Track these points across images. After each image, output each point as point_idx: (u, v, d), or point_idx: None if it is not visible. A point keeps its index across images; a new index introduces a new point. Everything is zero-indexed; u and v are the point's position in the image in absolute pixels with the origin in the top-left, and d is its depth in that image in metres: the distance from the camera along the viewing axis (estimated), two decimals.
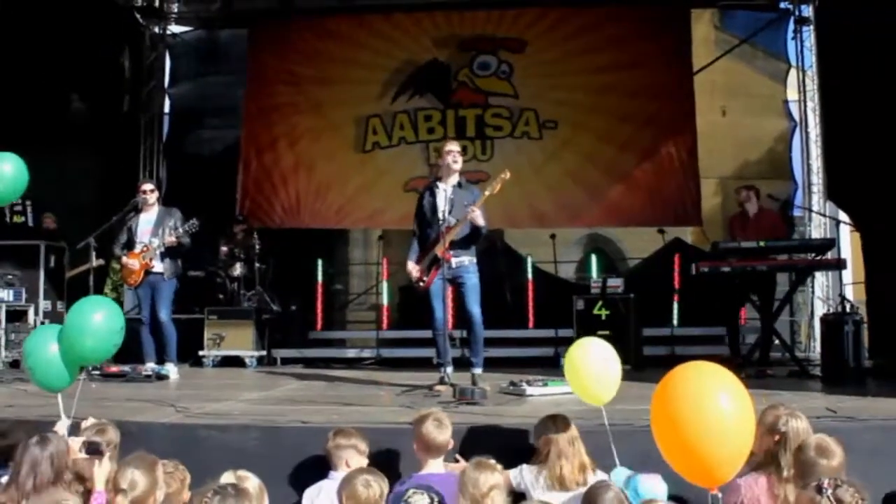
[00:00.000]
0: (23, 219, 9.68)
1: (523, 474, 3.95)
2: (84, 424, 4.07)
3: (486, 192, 6.42)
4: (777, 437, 3.47)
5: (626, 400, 5.95)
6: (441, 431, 3.92)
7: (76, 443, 3.71)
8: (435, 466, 3.90)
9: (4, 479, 3.41)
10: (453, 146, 6.74)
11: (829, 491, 2.67)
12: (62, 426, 4.15)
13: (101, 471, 3.53)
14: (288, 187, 11.92)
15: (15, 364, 8.63)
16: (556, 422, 3.95)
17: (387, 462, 3.99)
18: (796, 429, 3.47)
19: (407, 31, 12.00)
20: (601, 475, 3.84)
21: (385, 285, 11.39)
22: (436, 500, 3.21)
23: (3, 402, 5.76)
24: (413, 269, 6.63)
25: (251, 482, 3.38)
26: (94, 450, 3.62)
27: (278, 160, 12.00)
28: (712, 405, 2.66)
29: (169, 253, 7.85)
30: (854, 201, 9.35)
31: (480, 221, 6.42)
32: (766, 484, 3.41)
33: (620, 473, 3.77)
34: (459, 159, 6.64)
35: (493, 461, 3.47)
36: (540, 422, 4.02)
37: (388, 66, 11.94)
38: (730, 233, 8.48)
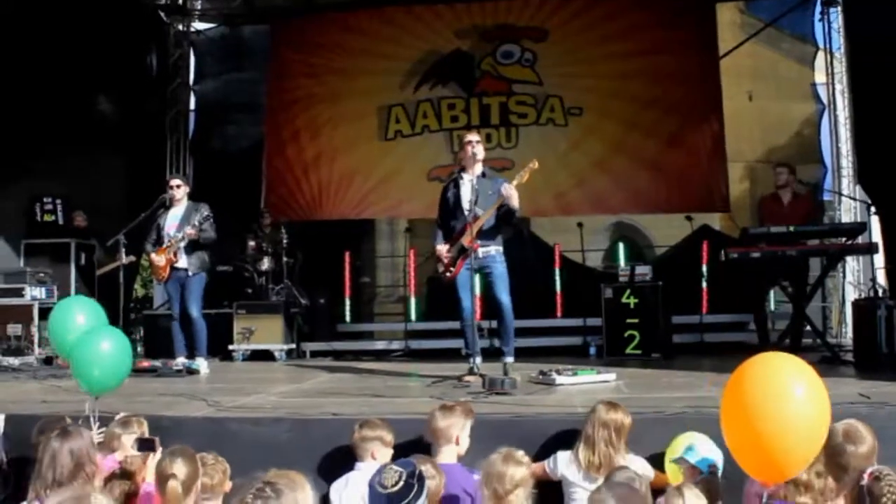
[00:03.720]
0: (53, 217, 9.82)
1: (557, 462, 3.95)
2: (117, 418, 4.13)
3: (515, 182, 6.38)
4: None
5: (656, 388, 5.96)
6: (442, 417, 3.90)
7: (129, 440, 3.76)
8: (445, 456, 3.88)
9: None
10: (473, 136, 6.71)
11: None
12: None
13: (153, 464, 3.58)
14: (310, 179, 11.99)
15: (48, 360, 8.74)
16: (608, 408, 3.94)
17: (413, 453, 3.99)
18: None
19: (428, 23, 11.99)
20: (632, 459, 3.84)
21: (412, 277, 11.40)
22: (404, 474, 3.20)
23: (37, 397, 5.83)
24: (442, 250, 6.60)
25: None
26: (146, 446, 3.68)
27: (301, 152, 12.07)
28: (792, 400, 2.50)
29: (193, 248, 7.87)
30: (881, 185, 9.21)
31: (515, 202, 6.39)
32: None
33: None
34: (480, 149, 6.60)
35: (521, 453, 3.40)
36: (592, 408, 4.00)
37: (410, 56, 11.96)
38: (760, 215, 8.34)
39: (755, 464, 2.64)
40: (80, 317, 4.78)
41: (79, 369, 4.34)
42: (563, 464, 3.93)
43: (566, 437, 4.12)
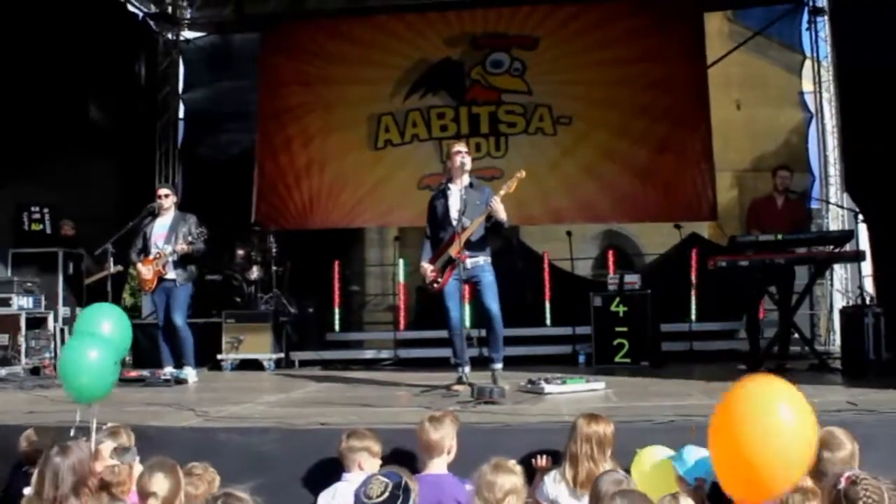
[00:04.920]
0: (41, 226, 9.76)
1: (545, 484, 3.86)
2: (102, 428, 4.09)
3: (502, 192, 6.40)
4: None
5: (645, 397, 5.96)
6: (435, 430, 3.87)
7: (107, 448, 3.73)
8: (436, 467, 3.87)
9: None
10: (461, 147, 6.71)
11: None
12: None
13: (136, 473, 3.56)
14: (301, 188, 11.97)
15: (35, 371, 8.69)
16: (588, 420, 3.88)
17: (401, 463, 3.98)
18: None
19: (419, 30, 12.01)
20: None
21: (402, 285, 11.37)
22: (390, 485, 3.21)
23: (24, 408, 5.80)
24: (427, 268, 6.60)
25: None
26: (125, 455, 3.65)
27: (292, 161, 12.06)
28: (775, 425, 2.49)
29: (182, 260, 7.87)
30: (868, 193, 9.23)
31: (502, 215, 6.41)
32: None
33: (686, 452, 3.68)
34: (468, 160, 6.61)
35: (511, 462, 3.40)
36: (573, 423, 3.93)
37: (400, 64, 11.97)
38: (753, 216, 8.31)
39: (741, 490, 2.63)
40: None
41: (66, 378, 4.30)
42: (551, 484, 3.85)
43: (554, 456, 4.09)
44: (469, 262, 6.40)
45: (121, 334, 4.79)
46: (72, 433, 3.92)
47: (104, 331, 4.66)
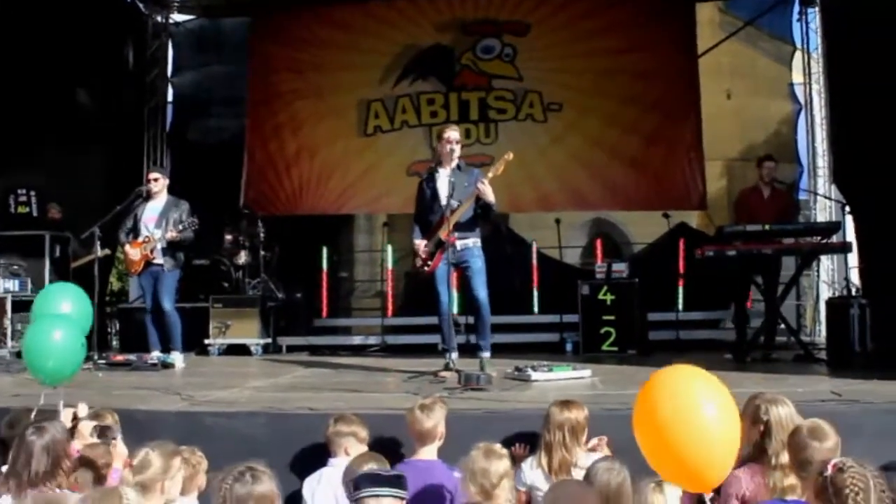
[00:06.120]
0: (28, 209, 9.72)
1: (524, 472, 3.87)
2: (80, 412, 4.07)
3: (490, 174, 6.40)
4: (761, 427, 3.44)
5: (631, 385, 5.97)
6: (427, 418, 3.87)
7: (87, 427, 3.71)
8: (427, 453, 3.88)
9: None
10: (452, 133, 6.68)
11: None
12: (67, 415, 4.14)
13: (119, 451, 3.56)
14: (291, 175, 11.93)
15: (21, 354, 8.65)
16: (561, 408, 3.90)
17: (388, 448, 4.00)
18: (778, 416, 3.39)
19: (409, 16, 11.95)
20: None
21: (390, 272, 11.37)
22: (381, 459, 3.30)
23: (10, 391, 5.78)
24: (420, 244, 6.58)
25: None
26: (106, 434, 3.64)
27: (282, 147, 12.01)
28: (693, 411, 2.57)
29: (170, 246, 7.84)
30: (855, 185, 9.26)
31: (490, 197, 6.39)
32: (762, 474, 3.39)
33: None
34: (458, 147, 6.59)
35: (498, 446, 3.44)
36: (547, 411, 3.94)
37: (390, 50, 11.93)
38: (741, 209, 8.26)
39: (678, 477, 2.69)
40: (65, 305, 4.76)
41: (33, 362, 4.31)
42: (528, 470, 3.87)
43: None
44: (458, 244, 6.38)
45: (81, 312, 4.79)
46: (32, 416, 3.90)
47: (64, 311, 4.67)
